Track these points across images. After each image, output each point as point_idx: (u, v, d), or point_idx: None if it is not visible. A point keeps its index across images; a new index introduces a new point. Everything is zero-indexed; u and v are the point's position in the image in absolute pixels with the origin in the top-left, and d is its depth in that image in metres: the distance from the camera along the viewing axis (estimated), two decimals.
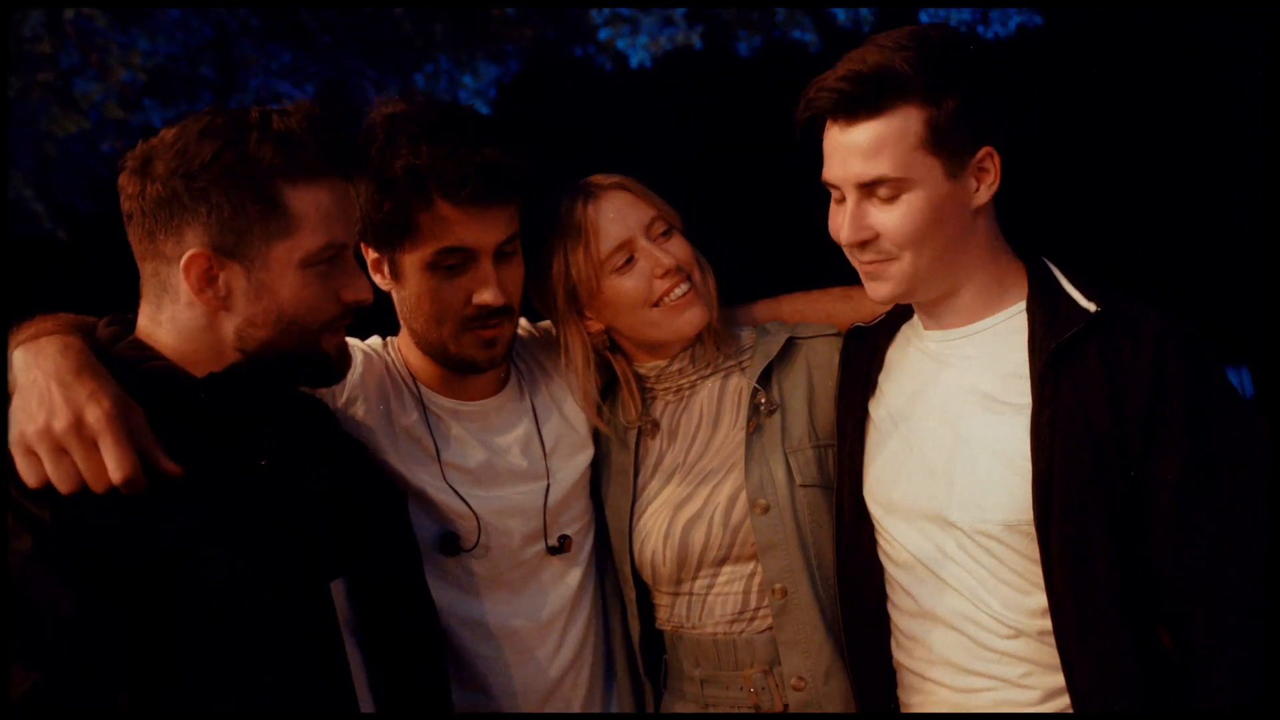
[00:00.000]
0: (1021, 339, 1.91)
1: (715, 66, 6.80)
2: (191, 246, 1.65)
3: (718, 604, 2.20)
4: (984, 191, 1.91)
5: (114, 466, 1.53)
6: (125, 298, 1.83)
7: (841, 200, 1.95)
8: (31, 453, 1.56)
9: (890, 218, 1.90)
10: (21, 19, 5.63)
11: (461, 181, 1.98)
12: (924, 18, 6.59)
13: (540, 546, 2.17)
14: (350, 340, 2.21)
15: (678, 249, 2.23)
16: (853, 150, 1.88)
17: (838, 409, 2.16)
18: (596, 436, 2.33)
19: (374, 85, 7.19)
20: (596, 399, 2.29)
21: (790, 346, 2.27)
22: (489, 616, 2.11)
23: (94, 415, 1.56)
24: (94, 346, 1.70)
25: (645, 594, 2.29)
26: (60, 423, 1.56)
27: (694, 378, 2.28)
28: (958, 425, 1.94)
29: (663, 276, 2.20)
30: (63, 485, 1.53)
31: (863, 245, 1.93)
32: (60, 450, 1.56)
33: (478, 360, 2.11)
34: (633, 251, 2.21)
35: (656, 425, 2.30)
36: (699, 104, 6.51)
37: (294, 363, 1.74)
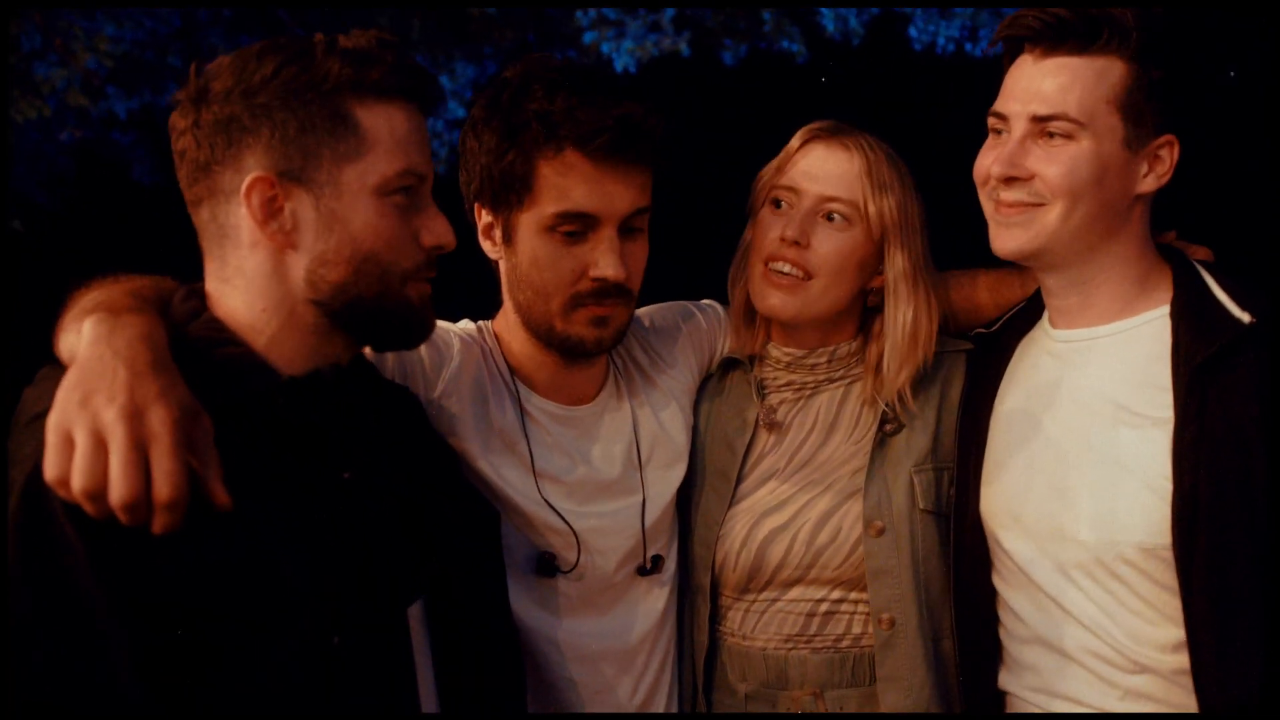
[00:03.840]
0: (1161, 347, 1.79)
1: (700, 74, 6.68)
2: (253, 171, 1.45)
3: (774, 621, 2.07)
4: (1151, 180, 1.82)
5: (162, 480, 1.29)
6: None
7: (999, 136, 1.83)
8: (69, 438, 1.30)
9: (1053, 160, 1.79)
10: None
11: (597, 130, 1.79)
12: (913, 32, 6.48)
13: (632, 567, 2.01)
14: (444, 324, 2.02)
15: (817, 237, 2.09)
16: (1043, 80, 1.79)
17: (960, 423, 2.03)
18: (692, 442, 2.17)
19: None
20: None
21: (929, 362, 2.13)
22: (579, 639, 1.96)
23: (159, 417, 1.31)
24: (168, 326, 1.48)
25: (717, 604, 2.14)
26: (113, 409, 1.31)
27: (822, 378, 2.14)
28: (1088, 436, 1.82)
29: (781, 240, 2.07)
30: (79, 481, 1.27)
31: (1010, 183, 1.81)
32: (99, 441, 1.30)
33: (585, 341, 1.91)
34: (795, 201, 2.09)
35: (775, 421, 2.13)
36: (683, 112, 6.39)
37: (374, 315, 1.53)
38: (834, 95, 6.42)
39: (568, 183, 1.82)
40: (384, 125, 1.50)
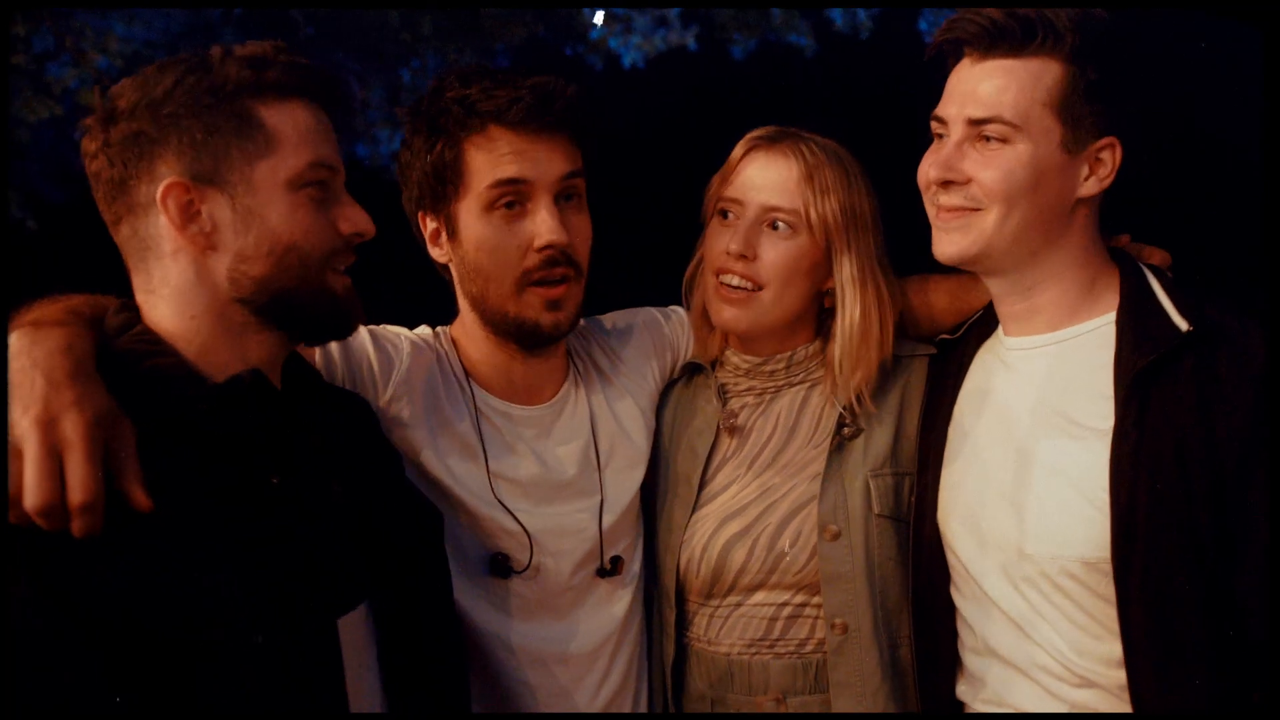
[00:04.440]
0: (1106, 355, 1.76)
1: (709, 69, 6.67)
2: (166, 178, 1.50)
3: (738, 626, 2.06)
4: (1092, 183, 1.78)
5: (76, 485, 1.34)
6: (93, 289, 1.66)
7: (942, 140, 1.84)
8: None
9: (989, 165, 1.76)
10: None
11: (513, 100, 1.85)
12: (924, 25, 6.46)
13: (591, 569, 2.02)
14: (396, 329, 2.06)
15: (763, 247, 2.10)
16: (978, 83, 1.76)
17: (920, 430, 2.01)
18: (656, 446, 2.18)
19: (358, 79, 7.08)
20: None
21: (888, 364, 2.12)
22: (534, 643, 1.96)
23: (72, 422, 1.35)
24: (101, 339, 1.53)
25: (682, 609, 2.15)
26: (28, 418, 1.35)
27: (781, 383, 2.15)
28: (1033, 448, 1.79)
29: (728, 254, 2.08)
30: None
31: (948, 187, 1.80)
32: (15, 449, 1.35)
33: (541, 325, 1.94)
34: (740, 212, 2.11)
35: (737, 425, 2.14)
36: (691, 106, 6.38)
37: (299, 307, 1.57)
38: (842, 89, 6.41)
39: (495, 156, 1.87)
40: (288, 122, 1.55)
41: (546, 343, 1.99)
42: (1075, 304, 1.83)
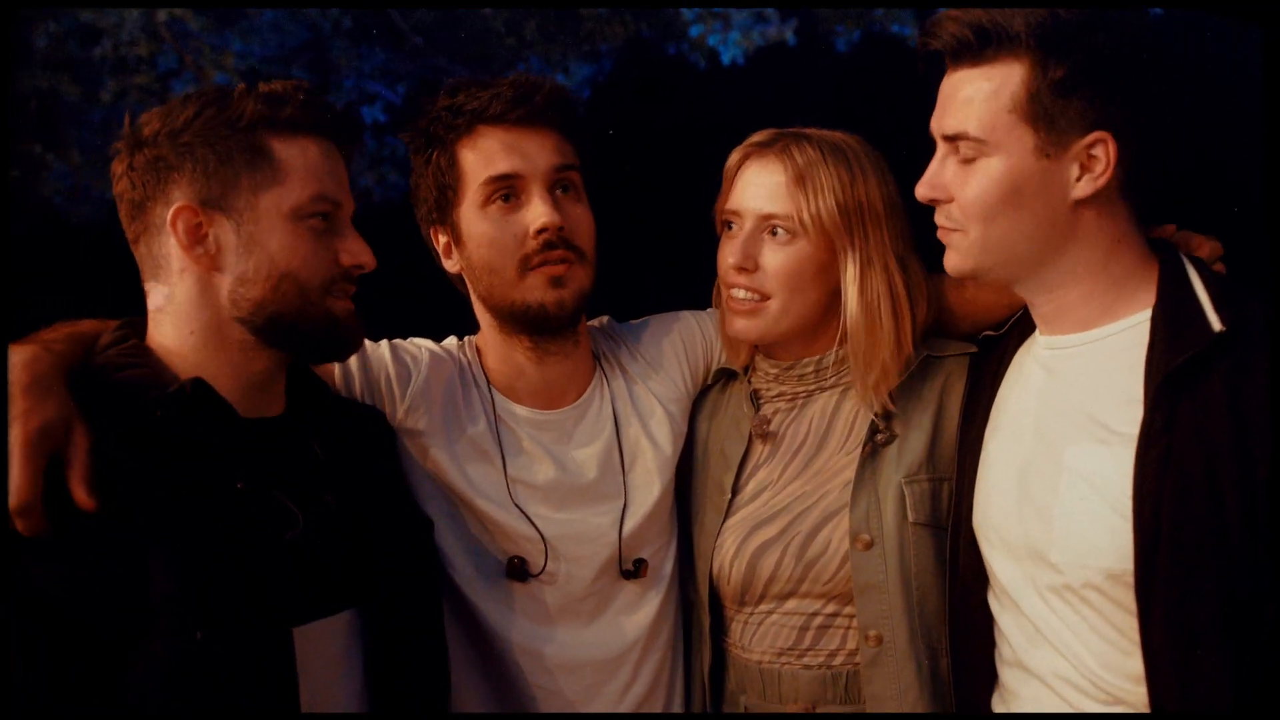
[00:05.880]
0: (1139, 355, 1.67)
1: (810, 62, 6.62)
2: (178, 201, 1.57)
3: (770, 633, 2.05)
4: (1086, 184, 1.68)
5: (11, 489, 1.45)
6: None
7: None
8: None
9: (963, 182, 1.72)
10: (120, 23, 5.78)
11: (494, 98, 1.95)
12: None
13: (614, 573, 2.03)
14: (421, 341, 2.13)
15: (764, 256, 2.11)
16: (950, 97, 1.73)
17: (959, 432, 1.95)
18: (689, 449, 2.20)
19: None
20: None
21: (925, 365, 2.09)
22: (554, 648, 1.97)
23: (15, 433, 1.47)
24: (88, 354, 1.66)
25: (719, 617, 2.15)
26: None
27: (813, 387, 2.13)
28: (1062, 452, 1.71)
29: (733, 268, 2.09)
30: None
31: (936, 203, 1.78)
32: None
33: (546, 305, 2.01)
34: (741, 223, 2.12)
35: (769, 430, 2.14)
36: (793, 100, 6.34)
37: (296, 329, 1.67)
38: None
39: (486, 155, 1.94)
40: (298, 156, 1.64)
41: (554, 328, 2.03)
42: (1107, 302, 1.73)
